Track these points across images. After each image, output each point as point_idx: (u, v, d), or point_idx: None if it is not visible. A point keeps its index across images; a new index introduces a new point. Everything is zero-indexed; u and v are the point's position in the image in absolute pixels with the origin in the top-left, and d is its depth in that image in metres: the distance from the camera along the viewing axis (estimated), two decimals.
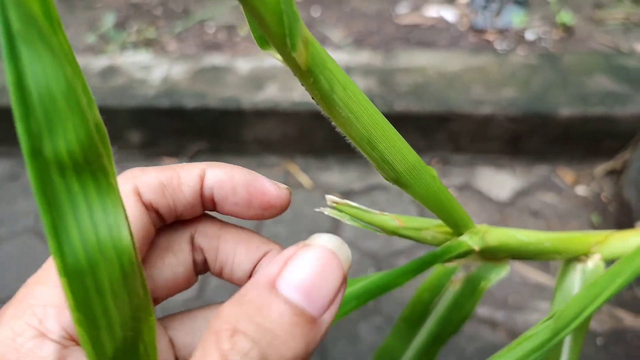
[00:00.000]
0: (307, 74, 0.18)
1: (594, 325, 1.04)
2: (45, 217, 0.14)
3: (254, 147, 1.43)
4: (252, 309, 0.17)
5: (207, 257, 0.24)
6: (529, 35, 1.70)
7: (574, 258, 0.35)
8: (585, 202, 1.27)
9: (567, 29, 1.69)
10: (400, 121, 1.30)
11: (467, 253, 0.28)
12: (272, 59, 1.49)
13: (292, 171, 1.42)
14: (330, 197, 0.28)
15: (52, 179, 0.14)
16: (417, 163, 0.22)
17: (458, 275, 0.35)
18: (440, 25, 1.81)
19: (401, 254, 1.19)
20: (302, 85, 0.19)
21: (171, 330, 0.24)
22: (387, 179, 0.23)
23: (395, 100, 1.30)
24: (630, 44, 1.62)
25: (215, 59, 1.52)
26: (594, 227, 1.20)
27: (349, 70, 1.43)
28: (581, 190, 1.29)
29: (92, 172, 0.14)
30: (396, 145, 0.21)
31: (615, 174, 1.29)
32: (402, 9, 1.90)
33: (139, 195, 0.22)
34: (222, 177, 0.23)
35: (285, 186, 0.24)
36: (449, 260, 0.29)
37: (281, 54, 0.18)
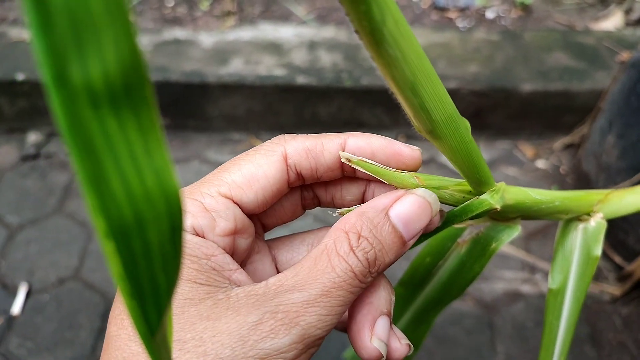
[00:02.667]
0: (359, 0, 0.16)
1: None
2: (79, 166, 0.11)
3: (219, 123, 1.40)
4: (372, 224, 0.25)
5: (318, 193, 0.29)
6: (489, 14, 1.72)
7: (575, 217, 0.36)
8: (545, 174, 1.31)
9: (526, 8, 1.72)
10: (367, 96, 1.30)
11: (489, 211, 0.27)
12: (236, 33, 1.45)
13: None
14: (343, 154, 0.27)
15: (84, 117, 0.10)
16: (454, 113, 0.22)
17: (464, 237, 0.35)
18: (403, 3, 1.81)
19: None
20: (347, 16, 0.17)
21: (274, 250, 0.30)
22: (420, 131, 0.22)
23: (362, 76, 1.29)
24: (585, 23, 1.67)
25: (177, 33, 1.46)
26: None
27: (314, 44, 1.41)
28: (541, 163, 1.33)
29: (133, 105, 0.11)
30: (439, 93, 0.20)
31: (573, 147, 1.34)
32: None
33: (285, 157, 0.27)
34: (361, 144, 0.27)
35: (417, 148, 0.28)
36: (467, 219, 0.29)
37: None
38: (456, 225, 0.33)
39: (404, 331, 0.43)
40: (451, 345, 1.00)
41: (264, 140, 1.23)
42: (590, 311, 1.06)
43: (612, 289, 1.08)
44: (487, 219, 0.33)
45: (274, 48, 1.39)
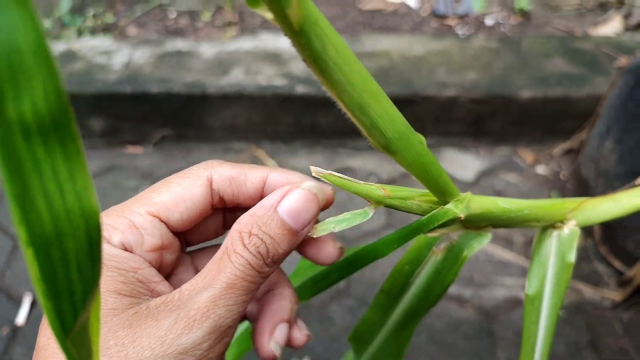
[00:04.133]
0: (299, 34, 0.17)
1: None
2: (7, 183, 0.13)
3: (220, 133, 1.41)
4: (261, 222, 0.27)
5: (239, 215, 0.31)
6: (488, 21, 1.73)
7: (549, 225, 0.37)
8: (545, 180, 1.31)
9: (524, 15, 1.73)
10: None
11: (453, 221, 0.28)
12: (237, 43, 1.47)
13: (259, 156, 1.41)
14: (314, 168, 0.28)
15: (16, 144, 0.12)
16: (406, 129, 0.22)
17: (440, 245, 0.35)
18: (403, 11, 1.82)
19: (370, 235, 1.20)
20: (293, 46, 0.19)
21: (196, 261, 0.33)
22: (376, 146, 0.23)
23: None
24: (584, 28, 1.68)
25: (179, 44, 1.48)
26: None
27: None
28: (541, 169, 1.33)
29: (60, 137, 0.13)
30: (387, 111, 0.21)
31: (572, 153, 1.34)
32: None
33: (210, 182, 0.30)
34: (281, 179, 0.30)
35: (331, 188, 0.30)
36: (434, 229, 0.30)
37: (273, 10, 0.18)
38: (429, 234, 0.34)
39: (387, 338, 0.43)
40: (451, 352, 1.01)
41: (265, 149, 1.23)
42: (590, 317, 1.05)
43: (613, 295, 1.08)
44: (461, 227, 0.33)
45: (274, 58, 1.40)
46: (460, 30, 1.71)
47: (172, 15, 1.83)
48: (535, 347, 0.38)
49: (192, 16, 1.84)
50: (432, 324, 1.04)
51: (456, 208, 0.28)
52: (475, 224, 0.32)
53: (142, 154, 1.44)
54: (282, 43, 1.46)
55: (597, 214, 0.37)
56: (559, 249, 0.37)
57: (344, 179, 0.27)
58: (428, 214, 0.28)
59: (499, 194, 1.28)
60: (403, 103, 1.29)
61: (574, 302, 1.08)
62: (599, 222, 0.38)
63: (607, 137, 1.05)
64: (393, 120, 0.21)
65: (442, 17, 1.77)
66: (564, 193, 1.27)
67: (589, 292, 1.09)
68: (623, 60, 1.30)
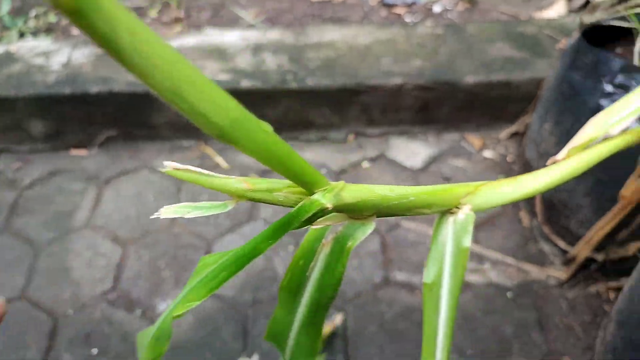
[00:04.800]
0: (77, 15, 0.16)
1: (503, 280, 1.10)
2: None
3: (167, 131, 1.38)
4: None
5: None
6: (436, 8, 1.74)
7: (446, 211, 0.36)
8: (492, 164, 1.33)
9: (471, 1, 1.74)
10: (314, 97, 1.30)
11: (322, 212, 0.27)
12: (182, 39, 1.43)
13: (208, 153, 1.38)
14: (168, 163, 0.26)
15: None
16: (241, 116, 0.21)
17: (328, 237, 0.34)
18: (352, 1, 1.82)
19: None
20: (79, 30, 0.17)
21: None
22: (212, 136, 0.22)
23: (307, 76, 1.29)
24: (529, 12, 1.70)
25: None
26: None
27: (260, 47, 1.40)
28: (488, 153, 1.35)
29: None
30: (212, 97, 0.20)
31: (518, 136, 1.36)
32: None
33: None
34: None
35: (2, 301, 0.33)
36: (309, 221, 0.29)
37: None
38: (315, 227, 0.33)
39: (298, 334, 0.43)
40: (402, 340, 1.01)
41: (213, 146, 1.22)
42: (537, 297, 1.07)
43: (558, 274, 1.10)
44: (346, 217, 0.33)
45: (219, 53, 1.38)
46: (409, 19, 1.71)
47: None
48: (437, 336, 0.37)
49: (139, 13, 1.79)
50: (382, 313, 1.04)
51: (323, 198, 0.27)
52: (357, 213, 0.31)
53: (87, 156, 1.40)
54: (228, 37, 1.44)
55: (495, 198, 0.37)
56: (455, 234, 0.36)
57: (200, 173, 0.26)
58: (297, 206, 0.27)
59: (447, 179, 1.29)
60: (350, 93, 1.29)
61: (521, 282, 1.09)
62: (497, 205, 0.37)
63: (546, 120, 1.06)
64: (221, 106, 0.20)
65: (391, 5, 1.77)
66: (510, 175, 1.28)
67: (535, 271, 1.11)
68: (563, 42, 1.32)
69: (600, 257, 1.02)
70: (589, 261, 1.05)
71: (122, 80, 1.30)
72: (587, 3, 1.67)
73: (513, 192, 0.39)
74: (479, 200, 0.37)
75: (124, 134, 1.39)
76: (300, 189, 0.28)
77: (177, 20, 1.74)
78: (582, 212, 1.02)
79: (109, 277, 1.12)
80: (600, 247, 1.01)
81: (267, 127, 0.23)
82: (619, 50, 0.99)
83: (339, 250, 0.32)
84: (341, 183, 0.29)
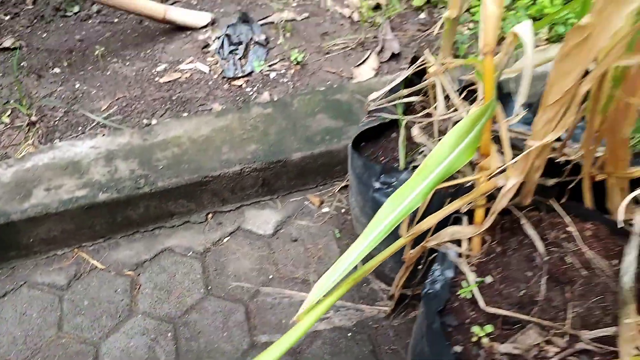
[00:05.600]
0: None
1: (345, 322, 1.37)
2: None
3: (40, 246, 1.50)
4: None
5: None
6: (272, 75, 1.97)
7: None
8: (332, 217, 1.59)
9: (300, 64, 1.99)
10: (167, 194, 1.48)
11: None
12: (35, 158, 1.54)
13: (84, 256, 1.52)
14: None
15: None
16: None
17: None
18: (197, 77, 2.00)
19: (193, 309, 1.40)
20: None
21: None
22: None
23: (157, 179, 1.47)
24: (349, 68, 1.98)
25: None
26: (339, 240, 1.53)
27: (111, 154, 1.55)
28: (326, 208, 1.61)
29: None
30: None
31: (347, 189, 1.63)
32: (161, 67, 2.04)
33: None
34: None
35: None
36: None
37: None
38: None
39: None
40: None
41: (87, 251, 1.38)
42: (371, 330, 1.35)
43: (386, 307, 1.39)
44: None
45: (73, 166, 1.51)
46: (250, 88, 1.93)
47: None
48: None
49: None
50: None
51: None
52: None
53: None
54: (80, 148, 1.57)
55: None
56: None
57: None
58: None
59: (295, 240, 1.54)
60: (198, 185, 1.49)
61: (357, 321, 1.37)
62: None
63: (352, 194, 1.34)
64: None
65: (232, 78, 1.97)
66: (345, 227, 1.56)
67: (367, 309, 1.39)
68: (365, 107, 1.61)
69: (409, 292, 1.32)
70: (403, 296, 1.34)
71: None
72: (393, 55, 1.99)
73: None
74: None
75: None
76: None
77: (30, 124, 1.83)
78: (389, 264, 1.31)
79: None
80: (406, 285, 1.30)
81: None
82: (393, 137, 1.28)
83: None
84: None
